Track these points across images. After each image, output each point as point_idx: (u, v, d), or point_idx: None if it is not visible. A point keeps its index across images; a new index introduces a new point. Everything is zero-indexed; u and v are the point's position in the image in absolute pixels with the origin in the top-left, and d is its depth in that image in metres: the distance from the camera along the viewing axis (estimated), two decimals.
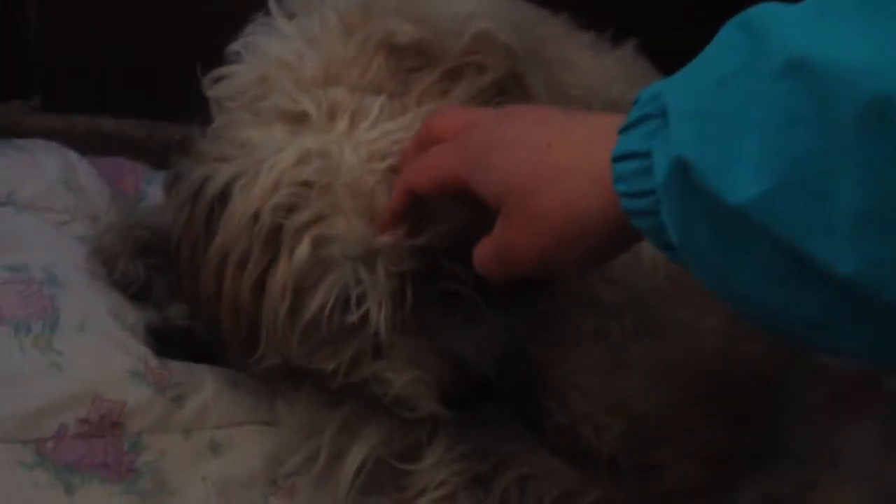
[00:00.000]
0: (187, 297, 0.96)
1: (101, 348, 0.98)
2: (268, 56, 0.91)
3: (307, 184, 0.84)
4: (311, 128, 0.86)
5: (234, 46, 0.96)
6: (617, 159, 0.62)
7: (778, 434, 1.05)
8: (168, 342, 1.02)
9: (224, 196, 0.87)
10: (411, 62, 0.88)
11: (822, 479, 1.04)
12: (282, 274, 0.85)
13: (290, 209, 0.85)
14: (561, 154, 0.67)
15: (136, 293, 1.06)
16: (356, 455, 0.94)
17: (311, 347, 0.91)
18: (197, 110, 0.96)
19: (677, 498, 0.98)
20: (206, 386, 0.99)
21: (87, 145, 1.23)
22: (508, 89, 0.91)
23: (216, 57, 0.95)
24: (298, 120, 0.86)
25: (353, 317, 0.86)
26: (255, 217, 0.85)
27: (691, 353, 0.94)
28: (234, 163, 0.87)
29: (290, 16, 0.95)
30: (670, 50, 0.99)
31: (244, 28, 0.95)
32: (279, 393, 0.99)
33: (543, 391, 0.97)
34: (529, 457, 0.96)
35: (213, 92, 0.94)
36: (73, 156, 1.20)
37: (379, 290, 0.84)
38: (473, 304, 0.88)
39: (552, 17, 1.09)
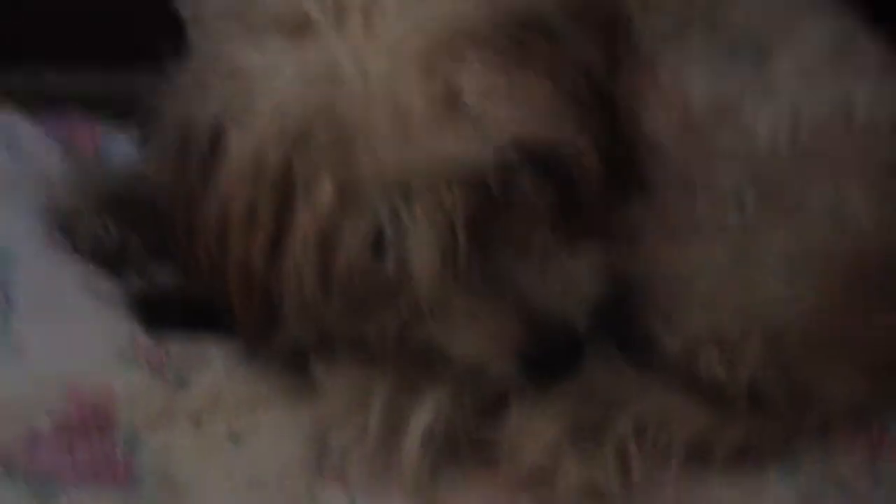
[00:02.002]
0: (185, 264, 0.79)
1: (72, 328, 0.81)
2: None
3: (318, 108, 0.68)
4: (315, 35, 0.70)
5: None
6: None
7: None
8: (159, 313, 0.83)
9: (217, 137, 0.72)
10: None
11: None
12: (302, 226, 0.70)
13: (301, 143, 0.69)
14: None
15: (109, 259, 0.87)
16: (420, 421, 0.76)
17: (347, 311, 0.74)
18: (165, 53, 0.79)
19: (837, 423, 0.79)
20: (214, 362, 0.81)
21: (30, 103, 1.05)
22: None
23: None
24: (299, 27, 0.71)
25: (390, 265, 0.69)
26: (258, 159, 0.70)
27: (836, 239, 0.77)
28: (225, 96, 0.71)
29: None
30: None
31: None
32: (311, 360, 0.79)
33: (649, 312, 0.78)
34: (645, 398, 0.79)
35: (190, 9, 0.79)
36: (12, 115, 1.02)
37: (420, 229, 0.68)
38: (552, 238, 0.73)
39: None
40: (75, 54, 1.12)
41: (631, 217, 0.77)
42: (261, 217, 0.70)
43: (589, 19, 0.75)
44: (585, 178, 0.72)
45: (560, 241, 0.72)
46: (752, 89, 0.79)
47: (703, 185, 0.77)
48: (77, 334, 0.80)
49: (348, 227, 0.69)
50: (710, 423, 0.78)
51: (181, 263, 0.79)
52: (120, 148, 1.02)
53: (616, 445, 0.76)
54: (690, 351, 0.77)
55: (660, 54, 0.80)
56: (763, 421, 0.78)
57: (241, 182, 0.70)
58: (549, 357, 0.71)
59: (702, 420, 0.78)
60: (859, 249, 0.76)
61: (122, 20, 1.09)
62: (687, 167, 0.77)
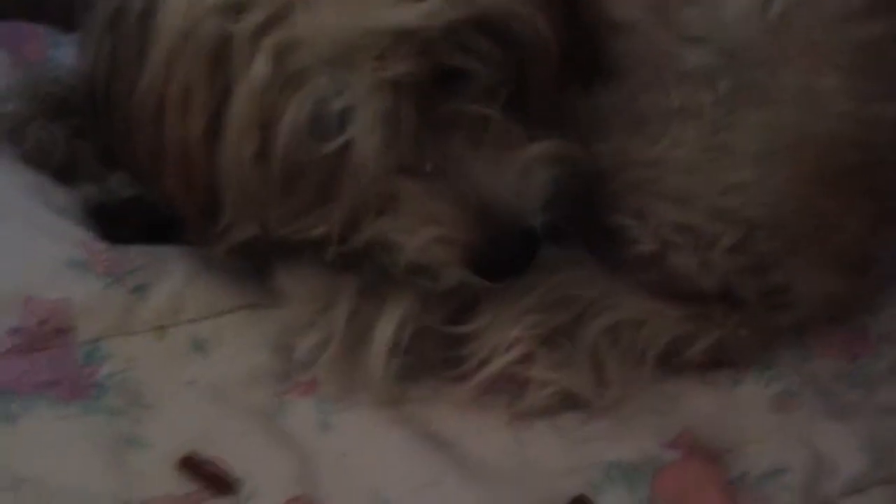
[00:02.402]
0: (124, 156, 0.75)
1: (25, 238, 0.77)
2: None
3: None
4: None
5: None
6: None
7: None
8: (113, 220, 0.80)
9: (148, 11, 0.68)
10: None
11: None
12: (239, 102, 0.66)
13: (235, 11, 0.65)
14: None
15: (59, 167, 0.83)
16: (386, 325, 0.73)
17: (291, 206, 0.71)
18: None
19: (812, 323, 0.78)
20: (174, 270, 0.78)
21: None
22: None
23: None
24: None
25: (334, 143, 0.66)
26: (192, 31, 0.66)
27: (811, 122, 0.73)
28: None
29: None
30: None
31: None
32: (273, 265, 0.76)
33: (618, 205, 0.75)
34: (619, 300, 0.77)
35: None
36: None
37: (366, 102, 0.65)
38: (507, 124, 0.69)
39: None
40: None
41: (596, 104, 0.74)
42: (196, 95, 0.67)
43: None
44: (541, 55, 0.68)
45: (514, 127, 0.69)
46: None
47: (672, 68, 0.73)
48: (30, 243, 0.76)
49: (287, 100, 0.65)
50: (684, 324, 0.76)
51: (122, 155, 0.75)
52: (68, 54, 0.98)
53: (589, 349, 0.74)
54: (662, 245, 0.75)
55: None
56: (737, 322, 0.77)
57: (175, 58, 0.67)
58: (502, 254, 0.68)
59: (675, 321, 0.76)
60: (833, 132, 0.74)
61: None
62: (654, 49, 0.73)
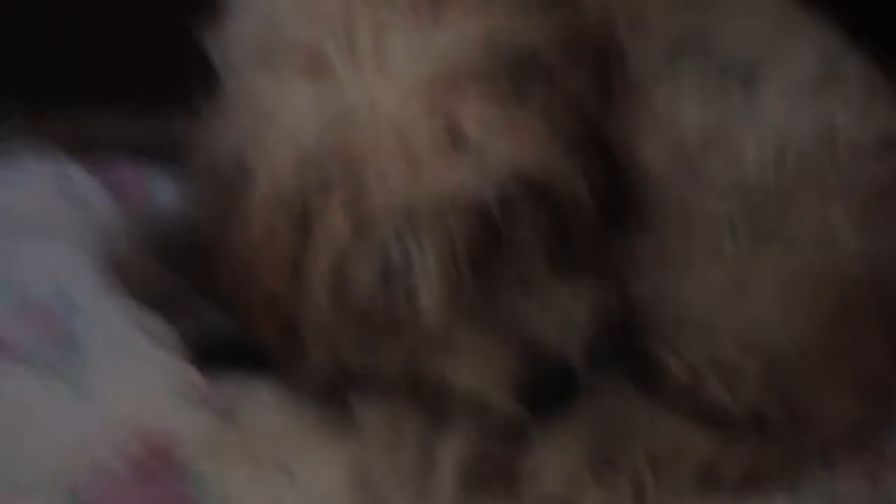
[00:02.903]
0: (220, 295, 0.87)
1: (133, 371, 0.89)
2: None
3: (331, 144, 0.75)
4: (332, 73, 0.77)
5: None
6: None
7: None
8: (211, 353, 0.91)
9: (243, 173, 0.79)
10: None
11: None
12: (319, 257, 0.77)
13: (317, 179, 0.76)
14: None
15: (163, 303, 0.95)
16: (450, 455, 0.83)
17: (361, 341, 0.81)
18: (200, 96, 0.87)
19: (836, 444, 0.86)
20: (262, 397, 0.89)
21: (78, 150, 1.12)
22: None
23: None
24: (318, 66, 0.77)
25: (399, 293, 0.76)
26: (279, 195, 0.77)
27: (827, 261, 0.82)
28: (248, 133, 0.78)
29: None
30: None
31: None
32: (350, 396, 0.87)
33: (654, 340, 0.85)
34: (656, 426, 0.86)
35: (216, 48, 0.85)
36: (67, 163, 1.10)
37: (425, 259, 0.75)
38: (548, 280, 0.79)
39: None
40: (118, 99, 1.20)
41: (631, 246, 0.83)
42: (281, 247, 0.78)
43: (582, 52, 0.81)
44: (579, 210, 0.78)
45: (557, 274, 0.78)
46: (741, 116, 0.85)
47: (697, 214, 0.83)
48: (139, 376, 0.88)
49: (360, 256, 0.76)
50: (717, 449, 0.85)
51: (218, 294, 0.86)
52: (167, 191, 1.10)
53: (631, 474, 0.83)
54: (694, 377, 0.84)
55: (652, 82, 0.86)
56: (766, 444, 0.85)
57: (265, 216, 0.77)
58: (545, 388, 0.78)
59: (709, 446, 0.85)
60: (846, 272, 0.82)
61: (158, 64, 1.15)
62: (681, 196, 0.83)
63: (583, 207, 0.78)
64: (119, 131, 1.21)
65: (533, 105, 0.76)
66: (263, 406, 0.88)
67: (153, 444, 0.84)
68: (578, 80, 0.79)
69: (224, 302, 0.87)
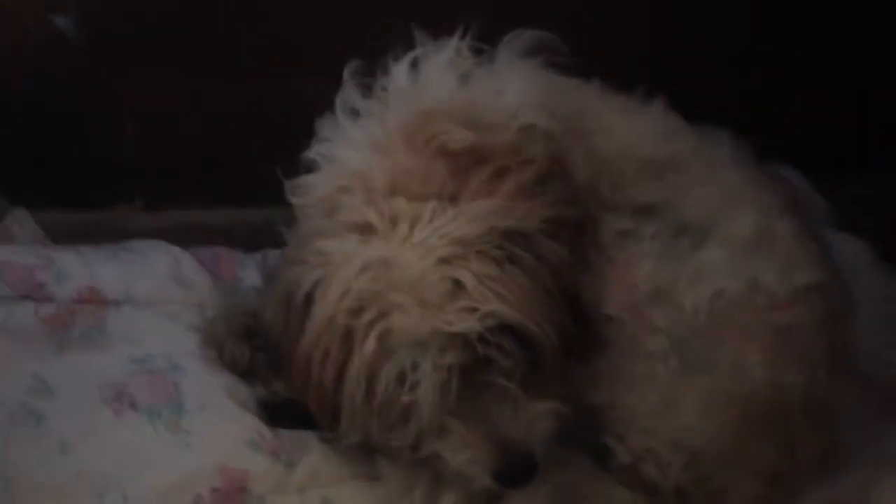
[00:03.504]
0: (286, 378, 1.16)
1: (221, 424, 1.19)
2: (342, 166, 1.10)
3: (370, 288, 1.02)
4: (376, 236, 1.04)
5: (310, 153, 1.15)
6: None
7: (835, 446, 1.19)
8: (276, 413, 1.21)
9: (309, 300, 1.07)
10: (466, 161, 1.06)
11: (880, 481, 1.19)
12: (356, 366, 1.04)
13: (359, 311, 1.03)
14: None
15: (244, 372, 1.26)
16: (448, 500, 1.12)
17: (382, 427, 1.09)
18: (274, 196, 1.16)
19: None
20: (313, 450, 1.19)
21: (184, 238, 1.43)
22: (551, 174, 1.09)
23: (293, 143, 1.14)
24: (367, 230, 1.05)
25: (407, 398, 1.04)
26: (332, 319, 1.04)
27: (738, 387, 1.09)
28: (314, 272, 1.06)
29: (355, 113, 1.14)
30: (699, 99, 1.19)
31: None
32: (377, 453, 1.16)
33: (607, 434, 1.13)
34: (605, 492, 1.14)
35: (296, 199, 1.14)
36: (176, 250, 1.41)
37: (428, 375, 1.02)
38: (519, 394, 1.05)
39: (585, 86, 1.24)
40: (214, 198, 1.51)
41: (593, 371, 1.12)
42: (331, 357, 1.05)
43: (562, 228, 1.07)
44: (546, 348, 1.04)
45: (526, 389, 1.05)
46: (686, 273, 1.11)
47: (641, 348, 1.10)
48: (224, 429, 1.18)
49: (384, 369, 1.03)
50: None
51: (284, 377, 1.16)
52: (251, 272, 1.41)
53: None
54: (636, 461, 1.12)
55: (618, 247, 1.13)
56: None
57: (321, 334, 1.04)
58: (513, 473, 1.05)
59: None
60: (754, 394, 1.09)
61: (245, 172, 1.46)
62: (631, 334, 1.11)
63: (550, 344, 1.04)
64: (215, 224, 1.52)
65: (518, 269, 1.03)
66: (313, 456, 1.17)
67: (233, 480, 1.15)
68: (558, 250, 1.06)
69: (287, 381, 1.16)
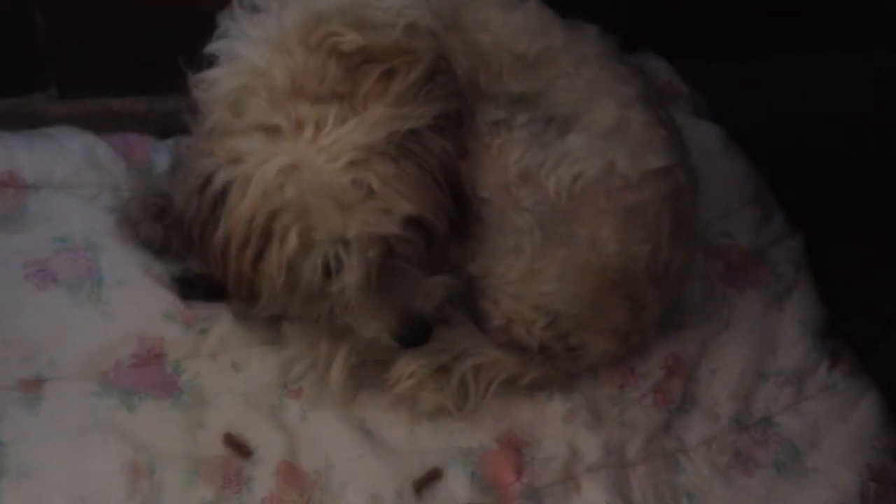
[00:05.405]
0: (199, 260, 1.28)
1: (139, 298, 1.32)
2: (242, 63, 1.19)
3: (287, 191, 1.13)
4: (284, 139, 1.14)
5: (210, 49, 1.23)
6: None
7: (681, 306, 1.39)
8: (189, 287, 1.34)
9: (223, 195, 1.16)
10: (358, 61, 1.17)
11: (716, 338, 1.39)
12: (276, 257, 1.16)
13: (278, 212, 1.14)
14: None
15: (158, 250, 1.38)
16: (343, 359, 1.28)
17: (301, 304, 1.23)
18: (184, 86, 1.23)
19: (600, 367, 1.32)
20: (224, 319, 1.33)
21: (98, 125, 1.51)
22: (439, 69, 1.20)
23: (198, 34, 1.21)
24: (273, 131, 1.15)
25: (334, 286, 1.17)
26: (250, 220, 1.15)
27: (593, 257, 1.26)
28: (227, 169, 1.15)
29: (253, 9, 1.23)
30: None
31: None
32: (282, 320, 1.30)
33: (482, 299, 1.29)
34: (480, 349, 1.31)
35: (199, 93, 1.23)
36: (90, 137, 1.49)
37: (352, 266, 1.15)
38: (417, 271, 1.21)
39: None
40: (129, 86, 1.59)
41: (471, 246, 1.27)
42: (250, 248, 1.16)
43: (446, 122, 1.20)
44: (439, 232, 1.19)
45: (422, 267, 1.21)
46: (551, 158, 1.24)
47: (510, 224, 1.25)
48: (142, 301, 1.31)
49: (305, 263, 1.16)
50: (518, 367, 1.30)
51: (197, 259, 1.27)
52: (164, 157, 1.49)
53: (459, 379, 1.28)
54: (507, 322, 1.29)
55: (493, 135, 1.25)
56: (550, 364, 1.30)
57: (238, 228, 1.15)
58: (413, 336, 1.23)
59: (514, 363, 1.30)
60: (606, 264, 1.25)
61: (160, 58, 1.45)
62: (502, 214, 1.25)
63: (442, 228, 1.18)
64: (129, 110, 1.60)
65: (413, 164, 1.15)
66: (224, 324, 1.31)
67: (150, 346, 1.29)
68: (444, 143, 1.18)
69: (202, 261, 1.26)
